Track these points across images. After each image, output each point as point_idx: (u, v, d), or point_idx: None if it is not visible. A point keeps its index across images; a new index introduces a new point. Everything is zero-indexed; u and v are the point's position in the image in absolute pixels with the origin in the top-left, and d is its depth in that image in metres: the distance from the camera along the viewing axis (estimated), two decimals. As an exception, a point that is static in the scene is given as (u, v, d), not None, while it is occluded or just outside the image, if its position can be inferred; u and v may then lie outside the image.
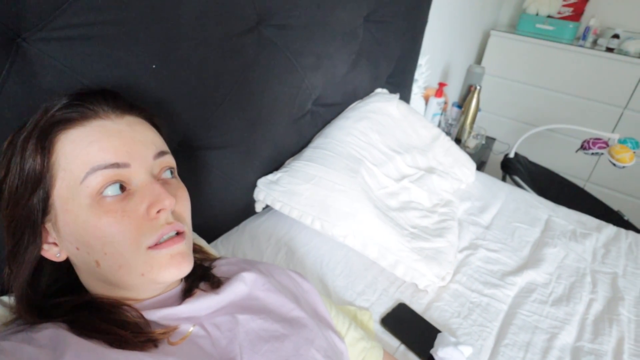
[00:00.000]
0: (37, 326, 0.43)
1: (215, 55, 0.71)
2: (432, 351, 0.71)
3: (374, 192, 0.96)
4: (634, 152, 1.58)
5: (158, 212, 0.44)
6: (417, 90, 1.67)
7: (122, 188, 0.44)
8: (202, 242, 0.73)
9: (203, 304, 0.50)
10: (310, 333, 0.53)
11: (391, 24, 1.22)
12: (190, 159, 0.77)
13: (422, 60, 1.61)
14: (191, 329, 0.48)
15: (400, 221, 0.93)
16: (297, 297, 0.59)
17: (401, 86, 1.49)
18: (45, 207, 0.44)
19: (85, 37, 0.52)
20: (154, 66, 0.62)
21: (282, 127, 0.96)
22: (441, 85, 1.72)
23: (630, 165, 1.58)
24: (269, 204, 0.93)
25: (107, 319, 0.45)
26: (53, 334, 0.41)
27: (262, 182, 0.94)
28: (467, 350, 0.70)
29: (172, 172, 0.50)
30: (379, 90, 1.32)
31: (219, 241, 0.90)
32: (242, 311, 0.52)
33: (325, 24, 0.94)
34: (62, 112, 0.44)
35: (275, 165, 1.01)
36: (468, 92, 1.85)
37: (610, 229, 1.18)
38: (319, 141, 1.03)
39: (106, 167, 0.43)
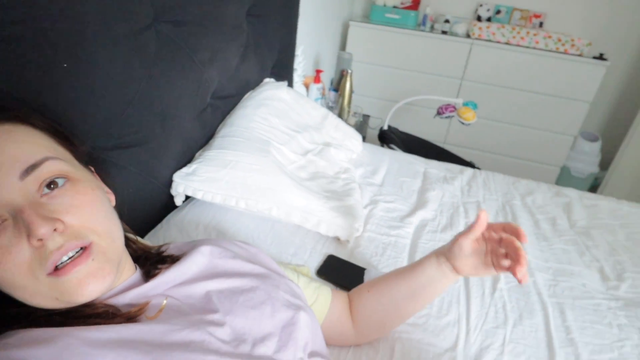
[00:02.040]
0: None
1: (122, 52, 0.73)
2: (363, 284, 0.85)
3: (286, 167, 1.06)
4: (475, 112, 1.97)
5: (40, 240, 0.40)
6: (297, 78, 1.81)
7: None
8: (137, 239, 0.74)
9: (168, 277, 0.52)
10: (275, 281, 0.60)
11: (270, 18, 1.33)
12: (106, 160, 0.78)
13: (298, 50, 1.75)
14: (164, 301, 0.49)
15: (313, 188, 1.05)
16: (250, 259, 0.66)
17: (284, 76, 1.60)
18: None
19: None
20: (65, 65, 0.62)
21: (188, 122, 1.00)
22: (318, 72, 1.89)
23: (473, 123, 1.97)
24: (190, 194, 0.96)
25: (76, 316, 0.44)
26: (27, 333, 0.40)
27: (178, 176, 0.97)
28: (388, 276, 0.85)
29: (63, 180, 0.44)
30: (266, 79, 1.42)
31: (146, 238, 0.91)
32: (208, 278, 0.55)
33: (216, 19, 1.00)
34: None
35: (185, 159, 1.04)
36: (341, 77, 2.07)
37: (469, 171, 1.48)
38: (225, 131, 1.09)
39: None
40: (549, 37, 2.46)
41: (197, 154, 1.07)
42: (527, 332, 0.79)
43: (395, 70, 2.73)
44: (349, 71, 1.94)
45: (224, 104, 1.19)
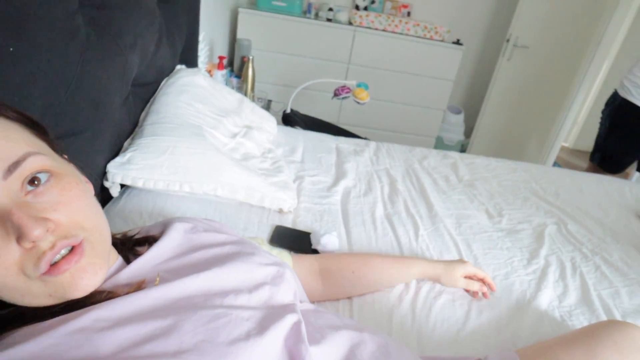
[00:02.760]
0: None
1: (59, 36, 0.69)
2: (314, 246, 0.95)
3: (221, 149, 1.09)
4: (368, 92, 2.18)
5: (33, 242, 0.39)
6: (201, 65, 1.79)
7: None
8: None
9: (152, 255, 0.54)
10: (250, 247, 0.66)
11: (177, 4, 1.31)
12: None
13: (200, 37, 1.73)
14: (157, 277, 0.51)
15: (250, 167, 1.11)
16: (220, 230, 0.70)
17: (191, 62, 1.59)
18: None
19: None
20: (11, 49, 0.58)
21: (117, 109, 0.97)
22: (221, 58, 1.89)
23: (367, 102, 2.19)
24: (129, 184, 0.94)
25: (74, 307, 0.43)
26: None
27: (113, 166, 0.94)
28: (333, 236, 0.97)
29: (46, 176, 0.42)
30: (178, 66, 1.40)
31: (88, 233, 0.87)
32: (190, 252, 0.57)
33: (135, 3, 0.98)
34: None
35: (116, 148, 1.00)
36: (242, 63, 2.09)
37: (372, 144, 1.68)
38: (152, 118, 1.07)
39: None
40: (418, 25, 2.82)
41: (125, 143, 1.04)
42: (448, 263, 0.99)
43: (288, 57, 2.83)
44: (251, 57, 1.98)
45: (144, 91, 1.16)
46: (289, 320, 0.52)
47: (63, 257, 0.41)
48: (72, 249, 0.41)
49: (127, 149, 0.99)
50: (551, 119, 2.93)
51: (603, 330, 0.68)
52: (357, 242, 1.01)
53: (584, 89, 2.76)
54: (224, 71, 1.91)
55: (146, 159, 0.95)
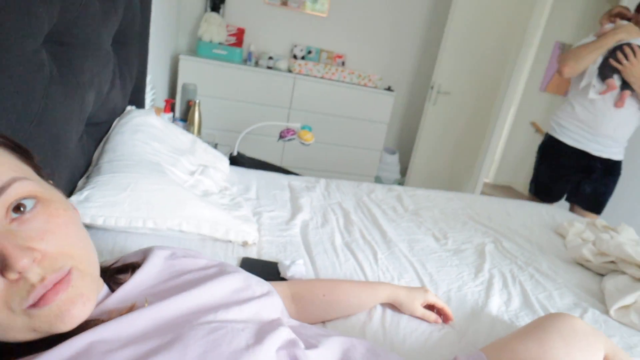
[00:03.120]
0: None
1: (28, 69, 0.69)
2: (282, 275, 0.97)
3: (182, 186, 1.10)
4: (312, 133, 2.29)
5: (19, 273, 0.37)
6: (147, 108, 1.79)
7: None
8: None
9: (137, 281, 0.54)
10: (233, 267, 0.68)
11: (130, 46, 1.33)
12: None
13: (147, 80, 1.74)
14: (146, 301, 0.51)
15: (212, 202, 1.12)
16: (197, 256, 0.71)
17: (139, 104, 1.59)
18: None
19: None
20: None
21: (74, 146, 0.95)
22: (168, 101, 1.90)
23: (312, 143, 2.29)
24: (88, 222, 0.91)
25: (62, 338, 0.41)
26: None
27: (69, 204, 0.90)
28: (300, 264, 1.00)
29: (32, 202, 0.41)
30: (129, 107, 1.40)
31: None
32: (174, 277, 0.58)
33: (94, 43, 0.99)
34: None
35: (71, 187, 0.97)
36: (188, 107, 2.11)
37: (322, 180, 1.75)
38: (109, 156, 1.05)
39: None
40: (352, 73, 3.05)
41: (80, 182, 1.01)
42: (409, 282, 1.05)
43: (231, 102, 2.90)
44: (197, 101, 2.01)
45: (96, 130, 1.15)
46: (282, 331, 0.54)
47: (49, 289, 0.39)
48: (61, 279, 0.40)
49: (83, 187, 0.96)
50: (474, 157, 3.25)
51: (548, 321, 0.78)
52: (322, 269, 1.04)
53: (498, 128, 3.13)
54: (170, 114, 1.92)
55: (106, 196, 0.93)
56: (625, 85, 1.80)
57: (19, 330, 0.39)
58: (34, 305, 0.38)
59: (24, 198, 0.40)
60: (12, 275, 0.36)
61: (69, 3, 0.81)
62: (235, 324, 0.51)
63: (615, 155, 1.98)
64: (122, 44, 1.26)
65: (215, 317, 0.52)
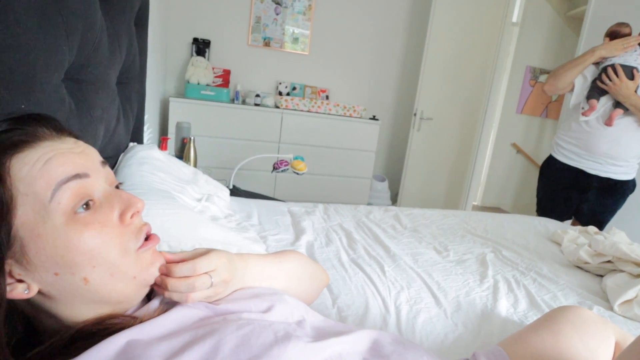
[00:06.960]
0: None
1: (54, 102, 0.73)
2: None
3: (193, 210, 1.12)
4: (305, 163, 2.35)
5: (132, 216, 0.48)
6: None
7: (87, 204, 0.45)
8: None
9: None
10: None
11: (131, 86, 1.39)
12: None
13: (145, 118, 1.79)
14: None
15: (221, 225, 1.14)
16: None
17: (139, 141, 1.63)
18: (8, 240, 0.41)
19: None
20: (22, 106, 0.62)
21: (86, 177, 0.98)
22: (164, 139, 1.95)
23: (306, 172, 2.35)
24: (103, 249, 0.92)
25: (106, 334, 0.45)
26: None
27: (85, 233, 0.92)
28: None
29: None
30: (131, 144, 1.44)
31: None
32: None
33: (104, 81, 1.04)
34: (6, 137, 0.44)
35: (84, 218, 0.99)
36: (183, 145, 2.16)
37: (320, 205, 1.79)
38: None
39: (69, 179, 0.44)
40: (337, 105, 3.17)
41: (92, 213, 1.02)
42: (418, 291, 1.08)
43: (222, 140, 2.96)
44: (192, 138, 2.06)
45: (104, 164, 1.17)
46: (306, 326, 0.57)
47: (150, 234, 0.51)
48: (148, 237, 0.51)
49: (96, 217, 0.98)
50: (461, 180, 3.34)
51: (558, 313, 0.82)
52: (333, 282, 1.07)
53: (482, 151, 3.25)
54: (167, 152, 1.95)
55: (120, 224, 0.95)
56: (618, 104, 1.86)
57: (124, 273, 0.47)
58: (145, 244, 0.49)
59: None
60: (127, 219, 0.47)
61: (85, 40, 0.87)
62: (260, 322, 0.54)
63: (616, 175, 1.98)
64: (124, 84, 1.31)
65: (240, 317, 0.54)
